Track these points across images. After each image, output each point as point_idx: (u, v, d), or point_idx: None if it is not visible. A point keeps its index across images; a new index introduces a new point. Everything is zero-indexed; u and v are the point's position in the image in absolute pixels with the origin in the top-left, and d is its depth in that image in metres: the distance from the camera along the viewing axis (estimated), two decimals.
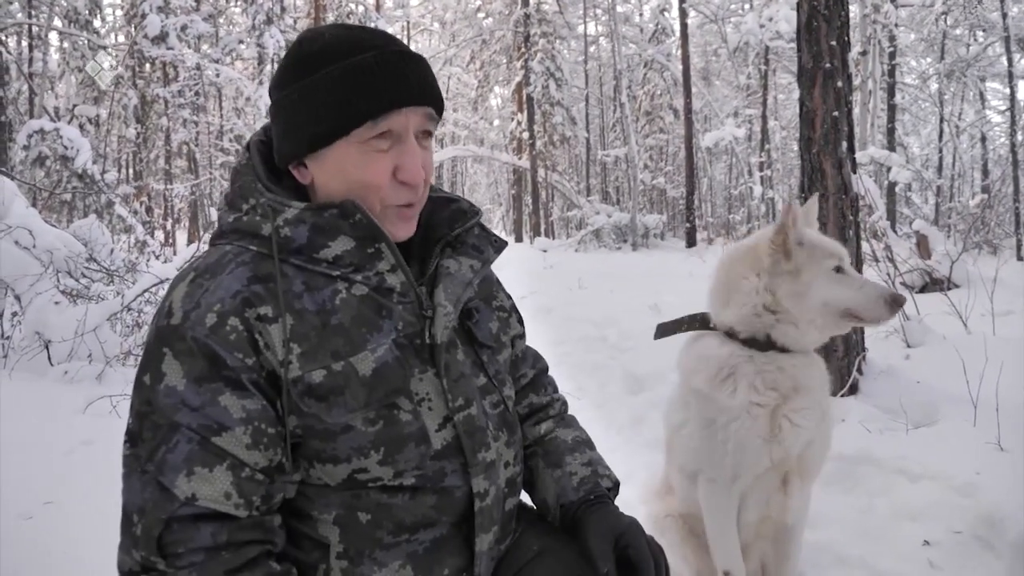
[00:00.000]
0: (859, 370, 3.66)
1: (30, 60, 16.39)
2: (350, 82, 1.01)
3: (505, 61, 27.94)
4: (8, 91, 13.59)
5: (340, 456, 1.00)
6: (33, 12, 15.62)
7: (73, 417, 3.53)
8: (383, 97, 1.02)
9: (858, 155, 4.90)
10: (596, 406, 4.10)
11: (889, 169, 13.48)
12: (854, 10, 15.04)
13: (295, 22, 20.05)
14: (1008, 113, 18.40)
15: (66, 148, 8.24)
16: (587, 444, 1.31)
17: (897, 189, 17.67)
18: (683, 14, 20.40)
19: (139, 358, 1.94)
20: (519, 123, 24.53)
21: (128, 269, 5.98)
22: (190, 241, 17.91)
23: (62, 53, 18.76)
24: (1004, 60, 18.05)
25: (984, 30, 19.89)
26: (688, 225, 20.36)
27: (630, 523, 1.15)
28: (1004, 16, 16.72)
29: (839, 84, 3.69)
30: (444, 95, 1.10)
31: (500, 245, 1.22)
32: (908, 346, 4.39)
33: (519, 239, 23.71)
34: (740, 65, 23.66)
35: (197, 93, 18.38)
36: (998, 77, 21.86)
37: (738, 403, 1.71)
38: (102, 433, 3.16)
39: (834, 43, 3.69)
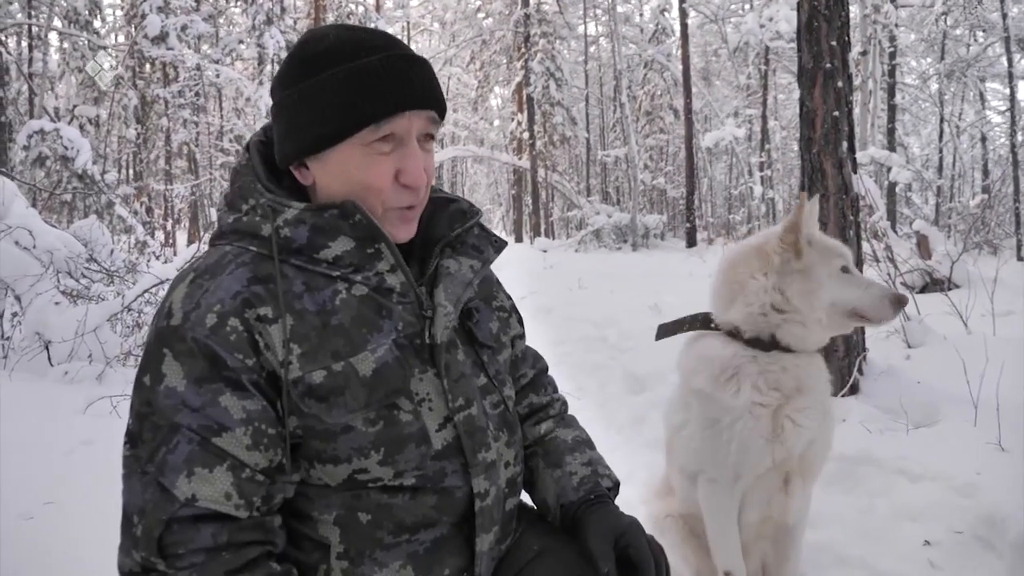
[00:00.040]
0: (860, 370, 3.66)
1: (30, 60, 16.40)
2: (355, 85, 1.01)
3: (505, 61, 27.94)
4: (8, 91, 13.59)
5: (340, 456, 1.00)
6: (33, 12, 15.62)
7: (73, 417, 3.53)
8: (387, 100, 1.02)
9: (858, 155, 4.89)
10: (596, 406, 4.10)
11: (889, 169, 13.48)
12: (854, 10, 15.04)
13: (295, 23, 20.06)
14: (1008, 113, 18.40)
15: (66, 148, 8.24)
16: (587, 444, 1.31)
17: (897, 189, 17.68)
18: (683, 14, 20.41)
19: (139, 359, 1.94)
20: (519, 123, 24.54)
21: (128, 270, 5.98)
22: (190, 241, 17.91)
23: (62, 53, 18.77)
24: (1004, 60, 18.07)
25: (984, 30, 19.89)
26: (688, 225, 20.37)
27: (630, 523, 1.15)
28: (1004, 16, 16.73)
29: (839, 84, 3.69)
30: (444, 96, 1.10)
31: (500, 245, 1.22)
32: (909, 346, 4.39)
33: (519, 239, 23.71)
34: (740, 65, 23.68)
35: (197, 93, 18.39)
36: (998, 77, 21.87)
37: (741, 403, 1.71)
38: (102, 433, 3.16)
39: (834, 43, 3.69)
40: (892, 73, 19.24)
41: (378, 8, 24.36)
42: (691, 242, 19.73)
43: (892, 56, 18.80)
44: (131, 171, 22.92)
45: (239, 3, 20.70)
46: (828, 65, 3.68)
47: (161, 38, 16.61)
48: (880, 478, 2.71)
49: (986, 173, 23.30)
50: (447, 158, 25.12)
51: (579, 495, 1.20)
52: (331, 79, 1.02)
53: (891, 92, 19.30)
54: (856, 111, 13.20)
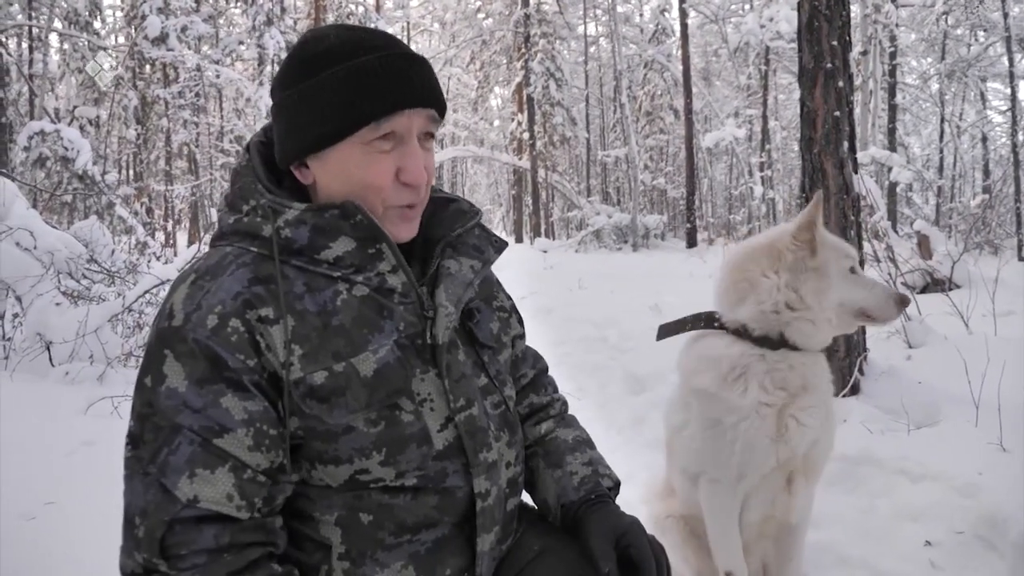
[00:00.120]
0: (860, 370, 3.66)
1: (30, 61, 16.41)
2: (354, 84, 1.01)
3: (505, 62, 27.94)
4: (8, 92, 13.60)
5: (342, 457, 1.00)
6: (33, 13, 15.64)
7: (74, 418, 3.53)
8: (387, 99, 1.02)
9: (859, 155, 4.88)
10: (597, 406, 4.10)
11: (890, 169, 13.49)
12: (855, 10, 15.04)
13: (295, 23, 20.06)
14: (1009, 113, 18.40)
15: (66, 149, 8.24)
16: (588, 444, 1.31)
17: (898, 189, 17.67)
18: (683, 14, 20.41)
19: (140, 359, 1.94)
20: (519, 123, 24.54)
21: (129, 270, 5.98)
22: (191, 242, 17.91)
23: (62, 54, 18.79)
24: (1005, 60, 18.08)
25: (985, 30, 19.90)
26: (688, 226, 20.37)
27: (631, 522, 1.15)
28: (1005, 16, 16.73)
29: (840, 84, 3.68)
30: (445, 96, 1.11)
31: (500, 245, 1.22)
32: (910, 346, 4.38)
33: (519, 240, 23.72)
34: (740, 65, 23.67)
35: (197, 94, 18.40)
36: (999, 77, 21.89)
37: (748, 403, 1.70)
38: (103, 434, 3.16)
39: (835, 43, 3.68)
40: (893, 73, 19.24)
41: (378, 8, 24.37)
42: (691, 242, 19.73)
43: (893, 56, 18.80)
44: (131, 172, 22.93)
45: (239, 4, 20.70)
46: (829, 65, 3.68)
47: (161, 39, 16.63)
48: (881, 478, 2.70)
49: (987, 173, 23.31)
50: (447, 158, 25.13)
51: (580, 495, 1.20)
52: (331, 78, 1.02)
53: (892, 92, 19.30)
54: (857, 111, 13.20)
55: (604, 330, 6.04)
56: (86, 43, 17.25)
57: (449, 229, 1.17)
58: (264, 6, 16.95)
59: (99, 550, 1.40)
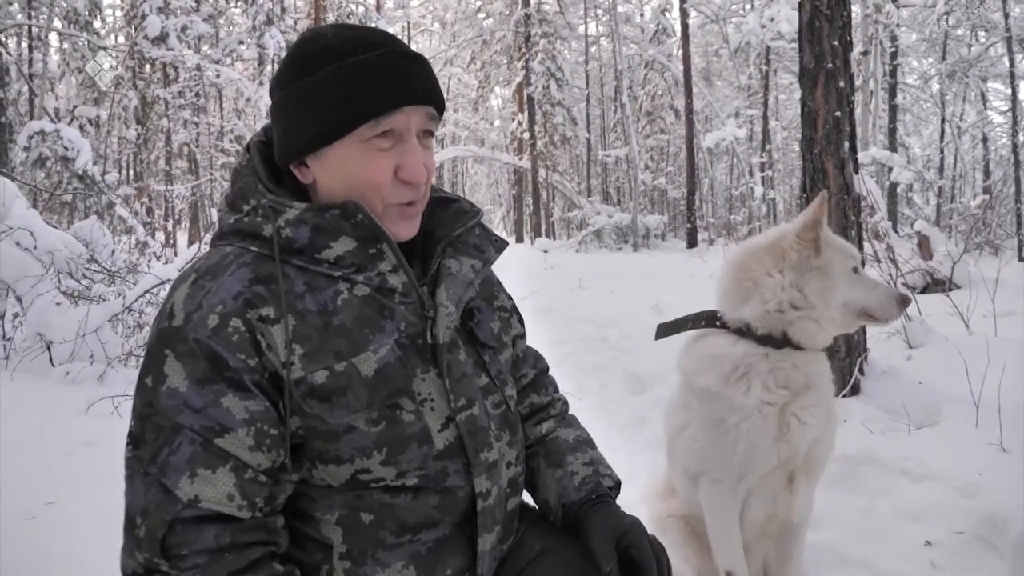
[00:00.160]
0: (861, 371, 3.66)
1: (30, 61, 16.42)
2: (352, 81, 1.01)
3: (506, 61, 27.94)
4: (8, 92, 13.60)
5: (343, 457, 1.00)
6: (33, 13, 15.64)
7: (75, 418, 3.54)
8: (385, 96, 1.02)
9: (860, 156, 4.89)
10: (597, 406, 4.09)
11: (890, 170, 13.49)
12: (855, 10, 15.04)
13: (295, 23, 20.06)
14: (1010, 114, 18.40)
15: (66, 149, 8.25)
16: (588, 444, 1.31)
17: (898, 190, 17.67)
18: (684, 14, 20.41)
19: (141, 359, 1.94)
20: (520, 123, 24.54)
21: (129, 270, 5.98)
22: (191, 242, 17.91)
23: (62, 54, 18.79)
24: (1006, 60, 18.07)
25: (986, 30, 19.90)
26: (689, 226, 20.35)
27: (632, 522, 1.15)
28: (1006, 16, 16.72)
29: (841, 84, 3.68)
30: (445, 95, 1.11)
31: (501, 245, 1.22)
32: (910, 347, 4.38)
33: (520, 239, 23.71)
34: (741, 65, 23.67)
35: (197, 94, 18.41)
36: (1000, 77, 21.89)
37: (752, 402, 1.71)
38: (103, 434, 3.16)
39: (836, 43, 3.68)
40: (893, 73, 19.24)
41: (378, 8, 24.37)
42: (692, 242, 19.72)
43: (893, 56, 18.79)
44: (131, 172, 22.93)
45: (239, 3, 20.71)
46: (830, 65, 3.67)
47: (161, 39, 16.62)
48: (882, 478, 2.70)
49: (987, 174, 23.31)
50: (448, 158, 25.14)
51: (581, 495, 1.20)
52: (329, 77, 1.02)
53: (892, 92, 19.30)
54: (857, 111, 13.20)
55: (605, 330, 6.04)
56: (86, 43, 17.26)
57: (450, 229, 1.17)
58: (264, 6, 16.95)
59: (100, 550, 1.40)
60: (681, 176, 25.74)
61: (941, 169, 24.13)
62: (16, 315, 4.81)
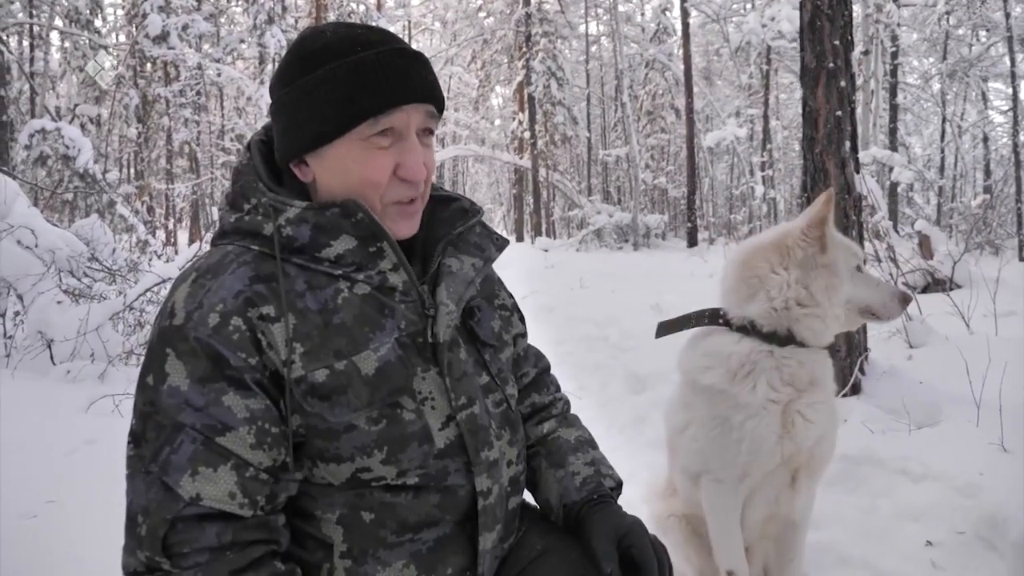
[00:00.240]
0: (861, 370, 3.65)
1: (31, 60, 16.44)
2: (352, 79, 1.01)
3: (506, 61, 27.94)
4: (9, 91, 13.59)
5: (343, 455, 1.00)
6: (34, 12, 15.65)
7: (75, 416, 3.54)
8: (385, 95, 1.02)
9: (860, 155, 4.89)
10: (598, 405, 4.09)
11: (891, 169, 13.49)
12: (856, 9, 15.03)
13: (296, 21, 20.05)
14: (1010, 113, 18.39)
15: (67, 148, 8.26)
16: (590, 443, 1.30)
17: (899, 189, 17.68)
18: (685, 14, 20.39)
19: (142, 358, 1.94)
20: (520, 123, 24.54)
21: (130, 268, 5.98)
22: (191, 241, 17.92)
23: (63, 53, 18.80)
24: (1007, 60, 18.03)
25: (987, 30, 19.90)
26: (689, 225, 20.35)
27: (633, 522, 1.15)
28: (1007, 16, 16.71)
29: (842, 84, 3.68)
30: (445, 94, 1.11)
31: (502, 243, 1.22)
32: (911, 346, 4.38)
33: (520, 239, 23.72)
34: (742, 65, 23.65)
35: (198, 93, 18.42)
36: (1000, 77, 21.87)
37: (758, 399, 1.70)
38: (104, 432, 3.16)
39: (837, 43, 3.68)
40: (894, 73, 19.23)
41: (379, 7, 24.36)
42: (692, 242, 19.71)
43: (894, 56, 18.79)
44: (132, 170, 22.96)
45: (240, 2, 20.72)
46: (831, 65, 3.67)
47: (162, 37, 16.64)
48: (882, 478, 2.70)
49: (988, 173, 23.30)
50: (448, 157, 25.16)
51: (582, 495, 1.20)
52: (329, 75, 1.02)
53: (893, 92, 19.29)
54: (858, 111, 13.19)
55: (605, 329, 6.03)
56: (87, 41, 17.26)
57: (450, 227, 1.17)
58: (265, 4, 16.95)
59: (100, 549, 1.40)
60: (681, 175, 25.73)
61: (942, 169, 24.13)
62: (17, 313, 4.81)
